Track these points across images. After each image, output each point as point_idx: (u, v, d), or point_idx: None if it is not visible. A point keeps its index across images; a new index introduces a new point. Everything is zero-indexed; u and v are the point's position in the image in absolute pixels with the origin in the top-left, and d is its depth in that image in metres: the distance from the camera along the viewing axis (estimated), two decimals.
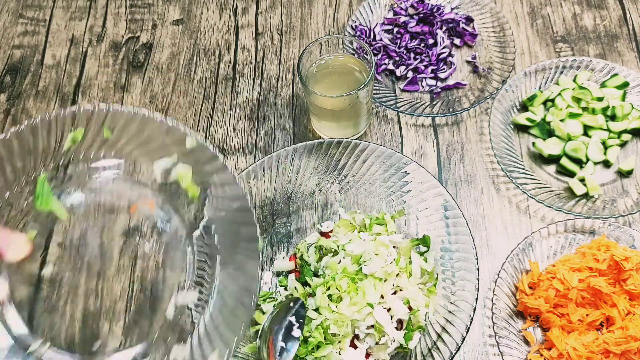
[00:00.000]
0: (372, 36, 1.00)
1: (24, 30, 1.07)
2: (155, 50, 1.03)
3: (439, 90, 0.95)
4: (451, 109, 0.90)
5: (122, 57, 1.03)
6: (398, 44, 0.99)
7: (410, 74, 0.96)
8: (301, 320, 0.66)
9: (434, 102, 0.93)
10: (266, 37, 1.03)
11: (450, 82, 0.96)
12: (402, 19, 1.01)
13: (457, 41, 1.00)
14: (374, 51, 0.98)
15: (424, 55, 0.97)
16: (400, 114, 0.93)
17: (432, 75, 0.96)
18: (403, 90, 0.96)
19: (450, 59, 0.98)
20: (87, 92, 0.99)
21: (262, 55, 1.01)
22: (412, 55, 0.98)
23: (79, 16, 1.08)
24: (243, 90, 0.98)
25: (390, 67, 0.97)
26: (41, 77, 1.01)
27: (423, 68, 0.96)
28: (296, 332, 0.65)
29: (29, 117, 0.97)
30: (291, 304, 0.66)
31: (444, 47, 0.98)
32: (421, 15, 1.00)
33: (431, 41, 0.98)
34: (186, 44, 1.03)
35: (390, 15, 1.02)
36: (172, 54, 1.02)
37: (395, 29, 1.01)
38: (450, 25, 1.00)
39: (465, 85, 0.95)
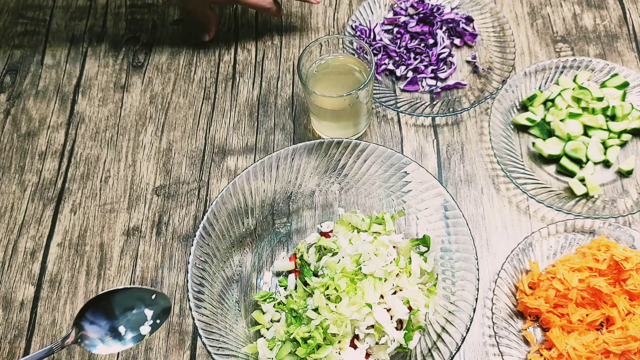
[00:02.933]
0: (372, 36, 0.99)
1: (24, 30, 1.07)
2: (155, 50, 1.03)
3: (439, 90, 0.95)
4: (451, 109, 0.90)
5: (122, 57, 1.03)
6: (398, 44, 0.99)
7: (410, 74, 0.96)
8: (160, 316, 0.65)
9: (434, 102, 0.93)
10: (266, 37, 1.03)
11: (450, 82, 0.96)
12: (402, 19, 1.01)
13: (457, 41, 1.00)
14: (374, 51, 0.98)
15: (424, 55, 0.97)
16: (400, 114, 0.93)
17: (432, 75, 0.96)
18: (403, 90, 0.96)
19: (450, 59, 0.98)
20: (87, 92, 0.99)
21: (262, 55, 1.01)
22: (412, 55, 0.98)
23: (79, 16, 1.08)
24: (243, 90, 0.98)
25: (390, 67, 0.97)
26: (41, 77, 1.01)
27: (423, 68, 0.96)
28: (145, 329, 0.64)
29: (29, 117, 0.97)
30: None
31: (444, 47, 0.98)
32: (421, 15, 1.00)
33: (431, 41, 0.98)
34: (186, 44, 1.03)
35: (390, 15, 1.02)
36: (172, 54, 1.02)
37: (395, 29, 1.01)
38: (450, 25, 0.99)
39: (465, 85, 0.95)
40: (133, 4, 1.09)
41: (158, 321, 0.67)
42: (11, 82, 1.01)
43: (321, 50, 0.85)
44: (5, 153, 0.93)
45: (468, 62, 0.98)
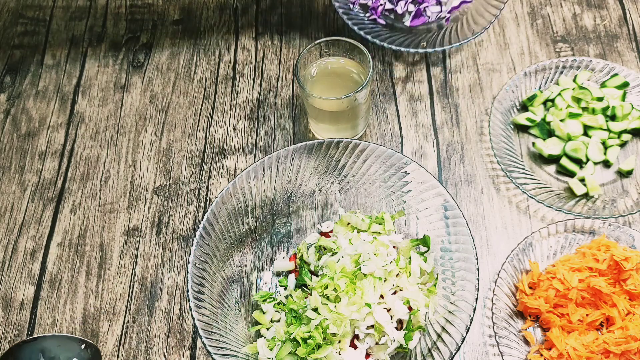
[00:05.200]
0: None
1: (24, 30, 1.07)
2: (155, 50, 1.03)
3: (447, 15, 0.90)
4: (462, 36, 0.88)
5: (122, 57, 1.03)
6: None
7: (411, 8, 0.91)
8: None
9: (444, 31, 0.89)
10: (266, 37, 1.03)
11: (455, 3, 0.91)
12: None
13: None
14: None
15: None
16: (400, 113, 0.93)
17: (436, 1, 0.91)
18: (411, 27, 0.91)
19: None
20: (87, 92, 0.99)
21: (262, 55, 1.01)
22: None
23: (79, 16, 1.08)
24: (243, 90, 0.98)
25: (389, 5, 0.92)
26: (41, 77, 1.01)
27: None
28: None
29: (29, 117, 0.97)
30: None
31: None
32: None
33: None
34: (186, 44, 1.03)
35: None
36: (172, 54, 1.02)
37: None
38: None
39: (471, 1, 0.90)
40: (133, 4, 1.09)
41: None
42: (11, 82, 1.01)
43: (320, 53, 0.85)
44: (5, 153, 0.94)
45: None
